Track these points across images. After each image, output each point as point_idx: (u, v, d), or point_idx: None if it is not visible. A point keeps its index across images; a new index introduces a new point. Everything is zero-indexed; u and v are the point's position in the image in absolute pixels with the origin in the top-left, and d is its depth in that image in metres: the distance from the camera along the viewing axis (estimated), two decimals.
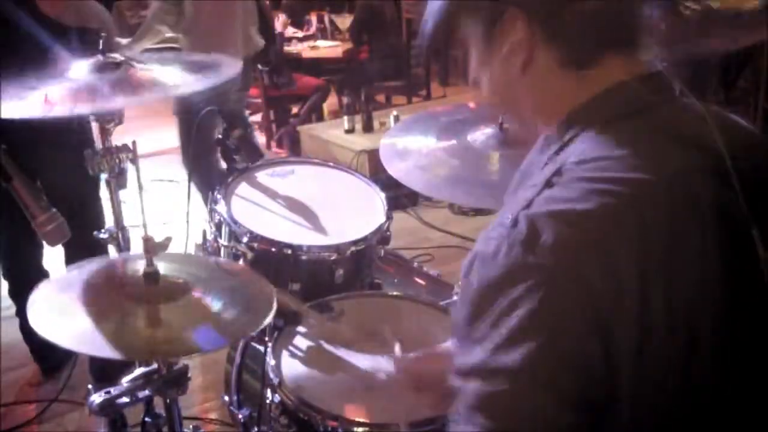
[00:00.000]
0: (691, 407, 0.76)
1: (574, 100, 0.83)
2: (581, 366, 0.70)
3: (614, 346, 0.70)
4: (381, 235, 1.89)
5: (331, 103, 6.60)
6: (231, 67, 1.74)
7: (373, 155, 4.30)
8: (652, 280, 0.71)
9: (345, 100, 5.37)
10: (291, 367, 1.57)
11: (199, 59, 1.82)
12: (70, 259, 2.58)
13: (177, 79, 1.68)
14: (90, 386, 1.56)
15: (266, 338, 1.71)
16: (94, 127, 2.48)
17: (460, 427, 0.73)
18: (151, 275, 1.46)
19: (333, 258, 1.80)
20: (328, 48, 6.86)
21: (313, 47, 6.83)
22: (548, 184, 0.75)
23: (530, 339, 0.69)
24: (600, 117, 0.80)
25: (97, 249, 2.44)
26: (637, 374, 0.72)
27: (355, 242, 1.81)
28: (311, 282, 1.78)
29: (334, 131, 5.07)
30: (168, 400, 1.63)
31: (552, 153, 0.82)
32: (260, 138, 5.93)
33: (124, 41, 3.30)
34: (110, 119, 1.72)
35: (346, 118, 4.99)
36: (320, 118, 6.03)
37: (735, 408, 0.79)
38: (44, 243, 1.64)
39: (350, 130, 4.95)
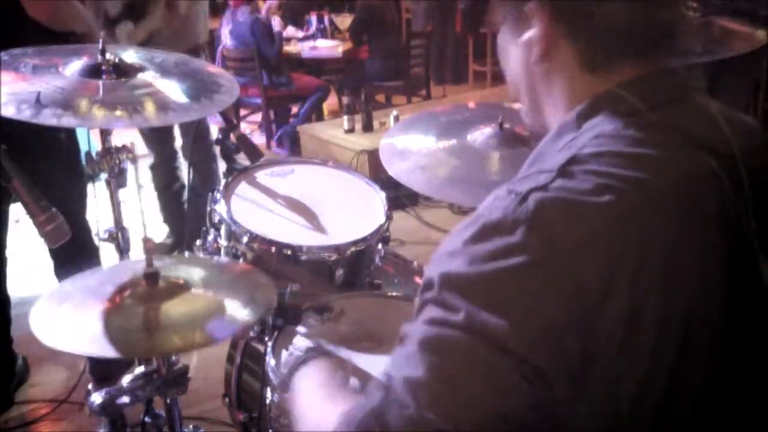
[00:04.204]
0: (680, 408, 0.76)
1: (587, 95, 0.83)
2: (551, 348, 0.70)
3: (592, 340, 0.70)
4: (381, 235, 1.89)
5: (331, 103, 6.60)
6: (231, 92, 1.74)
7: (373, 155, 4.30)
8: (648, 282, 0.71)
9: (345, 100, 5.37)
10: None
11: (200, 76, 1.81)
12: (59, 267, 2.59)
13: (177, 99, 1.67)
14: (90, 386, 1.56)
15: (266, 338, 1.72)
16: (82, 130, 2.49)
17: (402, 360, 0.73)
18: (151, 275, 1.46)
19: (333, 258, 1.79)
20: (328, 48, 6.86)
21: (313, 47, 6.83)
22: (562, 171, 0.75)
23: (508, 312, 0.70)
24: (615, 111, 0.80)
25: (84, 255, 2.45)
26: (613, 370, 0.72)
27: (355, 242, 1.81)
28: (311, 282, 1.78)
29: (334, 131, 5.07)
30: (168, 400, 1.63)
31: (567, 141, 0.82)
32: (260, 138, 5.94)
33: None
34: None
35: (346, 118, 4.99)
36: (320, 118, 6.03)
37: (727, 411, 0.79)
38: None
39: (350, 130, 4.95)
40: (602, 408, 0.73)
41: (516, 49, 0.87)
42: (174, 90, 1.69)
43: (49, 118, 1.46)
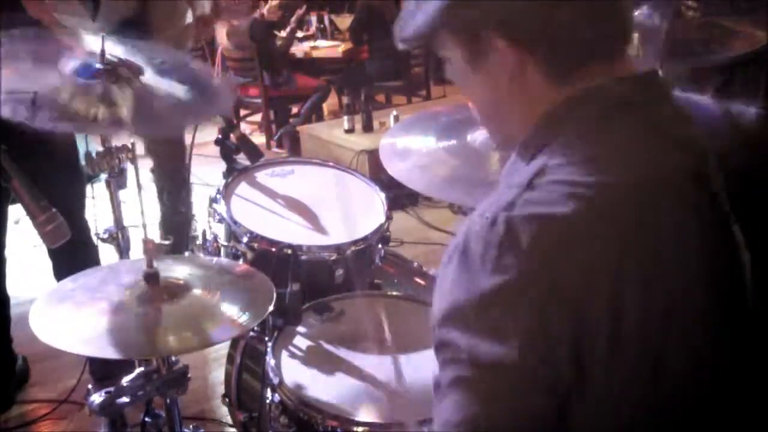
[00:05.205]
0: (670, 404, 0.76)
1: (554, 103, 0.82)
2: (551, 364, 0.72)
3: (585, 348, 0.72)
4: (381, 235, 1.89)
5: (331, 103, 6.59)
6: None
7: (373, 155, 4.30)
8: (626, 286, 0.72)
9: (345, 100, 5.37)
10: (291, 367, 1.57)
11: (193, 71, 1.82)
12: (58, 267, 2.59)
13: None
14: (90, 386, 1.56)
15: (266, 338, 1.72)
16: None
17: (436, 406, 0.76)
18: (151, 276, 1.46)
19: (333, 258, 1.80)
20: (328, 48, 6.86)
21: (313, 47, 6.83)
22: (529, 185, 0.76)
23: (501, 335, 0.72)
24: (581, 117, 0.80)
25: (83, 254, 2.45)
26: (607, 375, 0.73)
27: (355, 242, 1.81)
28: (311, 282, 1.78)
29: (334, 131, 5.07)
30: (168, 400, 1.63)
31: (534, 152, 0.82)
32: (260, 138, 5.94)
33: None
34: None
35: (346, 118, 4.99)
36: (320, 118, 6.03)
37: (712, 412, 0.79)
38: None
39: (350, 130, 4.95)
40: (599, 415, 0.74)
41: (479, 77, 0.85)
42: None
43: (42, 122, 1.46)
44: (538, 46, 0.80)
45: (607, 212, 0.73)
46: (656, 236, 0.74)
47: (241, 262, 1.80)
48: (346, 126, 4.96)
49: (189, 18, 3.35)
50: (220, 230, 1.88)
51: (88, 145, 2.60)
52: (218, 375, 1.99)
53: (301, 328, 1.69)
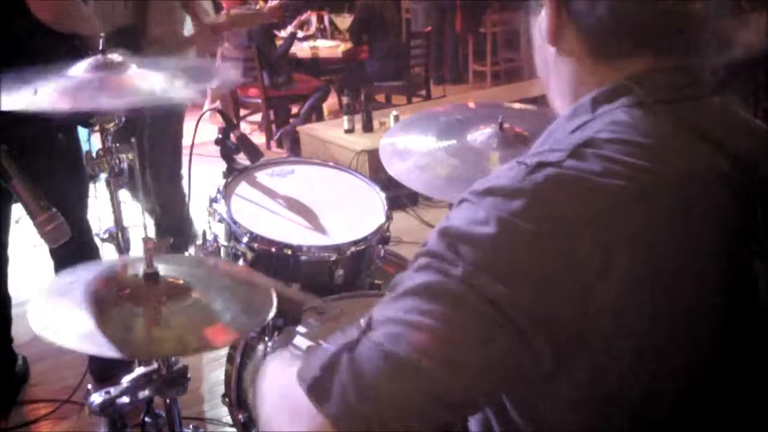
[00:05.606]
0: (659, 406, 0.76)
1: (598, 83, 0.83)
2: (541, 319, 0.70)
3: (582, 321, 0.70)
4: (381, 235, 1.89)
5: (331, 103, 6.60)
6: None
7: (373, 155, 4.29)
8: (643, 273, 0.71)
9: (345, 100, 5.38)
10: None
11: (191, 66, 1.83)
12: (60, 267, 2.60)
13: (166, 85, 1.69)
14: (90, 386, 1.57)
15: (266, 338, 1.72)
16: (83, 132, 2.49)
17: (388, 303, 0.75)
18: (151, 276, 1.46)
19: (333, 258, 1.80)
20: (328, 48, 6.87)
21: (313, 47, 6.83)
22: (575, 152, 0.75)
23: (504, 276, 0.70)
24: (632, 101, 0.80)
25: (85, 255, 2.45)
26: (599, 357, 0.72)
27: (355, 242, 1.81)
28: (311, 282, 1.78)
29: (334, 131, 5.07)
30: (168, 400, 1.63)
31: (580, 123, 0.82)
32: (260, 138, 5.94)
33: None
34: (110, 119, 1.72)
35: (346, 118, 4.99)
36: (320, 118, 6.03)
37: (712, 412, 0.79)
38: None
39: (350, 130, 4.95)
40: (584, 398, 0.74)
41: (535, 31, 0.88)
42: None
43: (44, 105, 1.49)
44: (583, 18, 0.81)
45: (643, 197, 0.73)
46: (680, 235, 0.74)
47: (241, 262, 1.80)
48: (346, 126, 4.96)
49: (189, 28, 3.32)
50: (220, 230, 1.88)
51: (89, 145, 2.61)
52: (218, 375, 1.99)
53: (301, 328, 1.69)
